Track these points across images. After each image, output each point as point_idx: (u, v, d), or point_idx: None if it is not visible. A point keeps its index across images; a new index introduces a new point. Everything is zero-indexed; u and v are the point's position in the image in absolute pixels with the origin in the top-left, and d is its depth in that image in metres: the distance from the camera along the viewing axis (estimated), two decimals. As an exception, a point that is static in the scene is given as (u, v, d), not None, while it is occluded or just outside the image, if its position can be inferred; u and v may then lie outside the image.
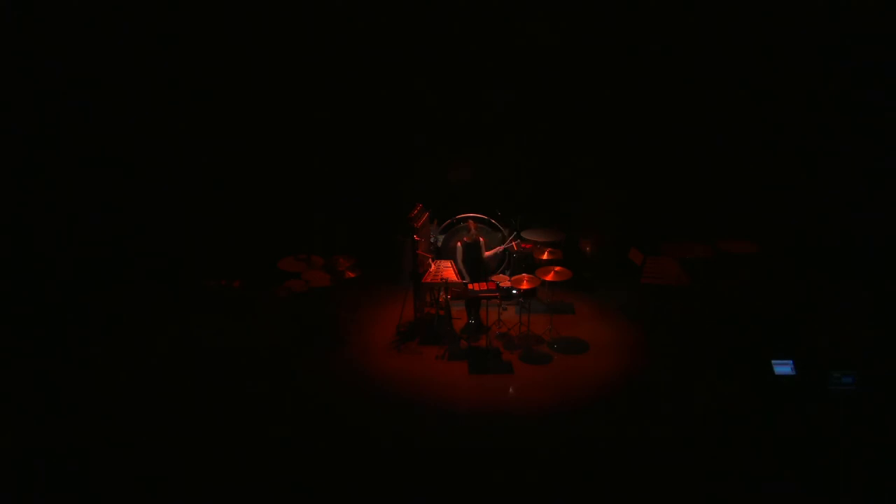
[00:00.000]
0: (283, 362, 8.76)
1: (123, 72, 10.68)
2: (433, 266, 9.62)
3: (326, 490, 6.70)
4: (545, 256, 9.94)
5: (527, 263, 10.35)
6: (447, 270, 9.51)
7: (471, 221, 9.85)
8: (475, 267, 9.82)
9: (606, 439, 7.42)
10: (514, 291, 9.79)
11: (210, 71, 10.89)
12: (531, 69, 11.06)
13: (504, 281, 9.73)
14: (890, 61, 10.22)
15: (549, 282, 9.32)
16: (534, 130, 11.43)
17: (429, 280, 9.37)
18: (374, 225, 11.20)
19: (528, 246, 10.56)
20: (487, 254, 9.99)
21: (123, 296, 10.04)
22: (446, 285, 9.36)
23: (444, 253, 10.54)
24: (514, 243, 10.38)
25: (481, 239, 9.88)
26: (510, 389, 8.45)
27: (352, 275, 9.57)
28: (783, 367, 7.83)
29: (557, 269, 9.31)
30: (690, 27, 10.66)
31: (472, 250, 9.83)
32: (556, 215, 11.03)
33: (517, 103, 11.23)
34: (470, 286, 9.28)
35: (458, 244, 9.90)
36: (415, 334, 9.51)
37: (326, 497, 6.65)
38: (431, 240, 10.45)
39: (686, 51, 10.77)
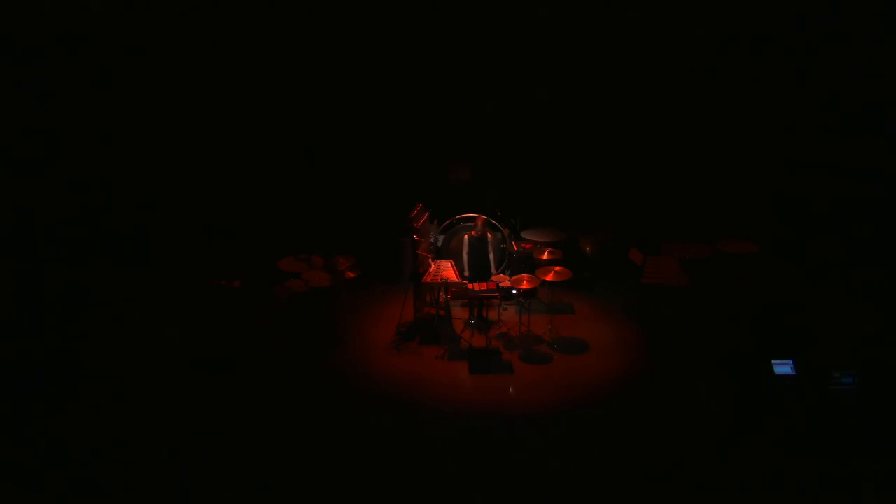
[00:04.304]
0: (284, 362, 8.77)
1: (124, 71, 10.69)
2: (433, 266, 9.62)
3: (326, 490, 6.70)
4: (545, 256, 9.94)
5: (527, 263, 10.36)
6: (447, 270, 9.50)
7: (480, 217, 9.81)
8: (480, 263, 9.79)
9: (606, 439, 7.43)
10: (514, 291, 9.79)
11: (211, 71, 10.90)
12: (531, 69, 11.07)
13: (504, 281, 9.72)
14: (889, 60, 10.23)
15: (549, 282, 9.32)
16: (534, 131, 11.45)
17: (429, 280, 9.37)
18: (374, 225, 11.21)
19: (528, 246, 10.57)
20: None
21: (123, 295, 10.05)
22: (446, 285, 9.35)
23: (444, 253, 10.54)
24: (513, 243, 10.37)
25: (489, 235, 9.86)
26: (510, 389, 8.46)
27: (352, 275, 9.58)
28: (783, 367, 7.82)
29: (557, 269, 9.31)
30: (689, 27, 10.66)
31: (478, 246, 9.78)
32: (556, 215, 11.03)
33: (517, 103, 11.24)
34: (470, 286, 9.28)
35: (466, 237, 9.86)
36: (415, 334, 9.51)
37: (326, 497, 6.64)
38: (431, 240, 10.46)
39: (685, 50, 10.78)
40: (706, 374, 8.45)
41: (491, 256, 9.85)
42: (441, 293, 9.58)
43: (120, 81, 10.73)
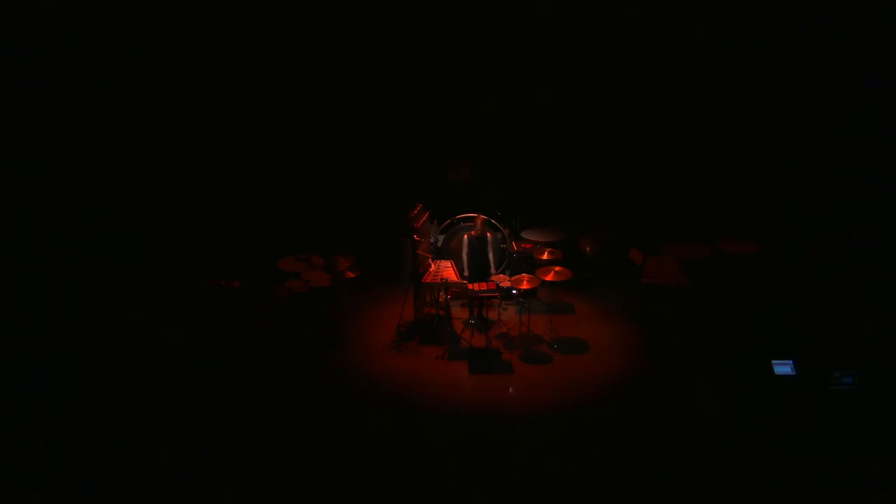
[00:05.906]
0: (284, 362, 8.77)
1: (124, 71, 10.70)
2: (433, 266, 9.62)
3: (326, 490, 6.70)
4: (545, 256, 9.93)
5: (527, 263, 10.36)
6: (447, 270, 9.50)
7: (479, 217, 9.80)
8: (480, 263, 9.78)
9: (606, 439, 7.43)
10: (514, 291, 9.79)
11: (211, 71, 10.90)
12: (531, 69, 11.07)
13: (504, 281, 9.72)
14: (889, 60, 10.23)
15: (549, 282, 9.32)
16: (534, 131, 11.45)
17: (429, 280, 9.37)
18: (374, 225, 11.21)
19: (528, 246, 10.57)
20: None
21: (123, 295, 10.05)
22: (446, 285, 9.35)
23: (444, 253, 10.54)
24: (513, 243, 10.36)
25: (488, 234, 9.84)
26: (510, 389, 8.46)
27: (352, 275, 9.58)
28: (783, 367, 7.82)
29: (557, 269, 9.31)
30: (689, 27, 10.67)
31: (478, 246, 9.76)
32: (556, 215, 11.03)
33: (517, 103, 11.24)
34: (470, 286, 9.27)
35: (465, 237, 9.85)
36: (415, 334, 9.51)
37: (326, 497, 6.64)
38: (431, 240, 10.45)
39: (685, 50, 10.78)
40: (706, 374, 8.45)
41: (491, 256, 9.84)
42: (441, 293, 9.57)
43: (120, 81, 10.73)
